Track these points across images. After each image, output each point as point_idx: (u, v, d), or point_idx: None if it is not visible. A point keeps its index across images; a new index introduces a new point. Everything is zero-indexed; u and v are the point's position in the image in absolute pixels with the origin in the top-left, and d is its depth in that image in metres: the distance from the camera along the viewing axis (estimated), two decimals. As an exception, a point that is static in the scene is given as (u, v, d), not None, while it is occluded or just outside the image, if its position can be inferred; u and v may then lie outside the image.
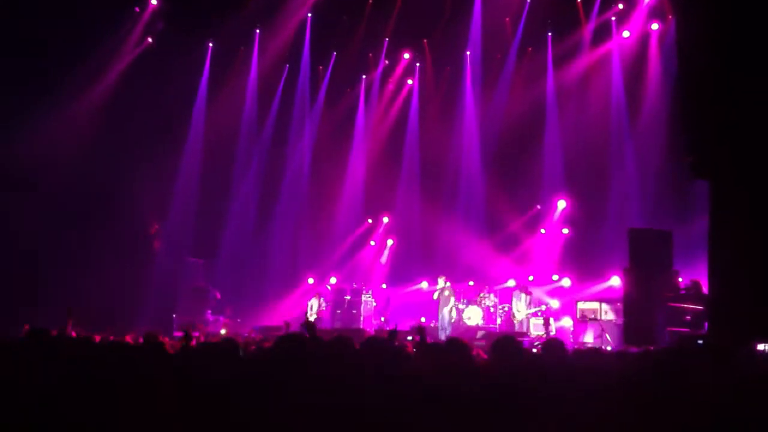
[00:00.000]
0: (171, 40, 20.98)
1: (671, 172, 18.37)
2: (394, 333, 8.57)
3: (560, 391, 3.65)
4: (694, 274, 14.53)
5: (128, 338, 11.82)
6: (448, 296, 19.65)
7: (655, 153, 19.66)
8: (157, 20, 21.03)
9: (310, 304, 21.07)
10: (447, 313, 19.52)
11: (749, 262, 10.12)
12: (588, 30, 21.32)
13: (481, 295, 20.62)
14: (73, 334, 10.56)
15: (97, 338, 9.35)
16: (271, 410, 3.39)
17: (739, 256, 10.36)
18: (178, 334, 17.70)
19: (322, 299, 21.20)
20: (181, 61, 21.41)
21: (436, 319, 20.06)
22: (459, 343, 5.95)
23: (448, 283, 19.78)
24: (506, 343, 4.99)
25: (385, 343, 6.03)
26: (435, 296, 19.96)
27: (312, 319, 20.52)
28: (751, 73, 10.29)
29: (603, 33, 21.27)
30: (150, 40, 21.25)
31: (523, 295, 19.29)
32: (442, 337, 18.28)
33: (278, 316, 20.28)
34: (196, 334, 8.94)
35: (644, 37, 20.71)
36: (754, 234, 10.24)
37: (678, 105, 16.69)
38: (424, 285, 22.30)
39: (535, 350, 12.25)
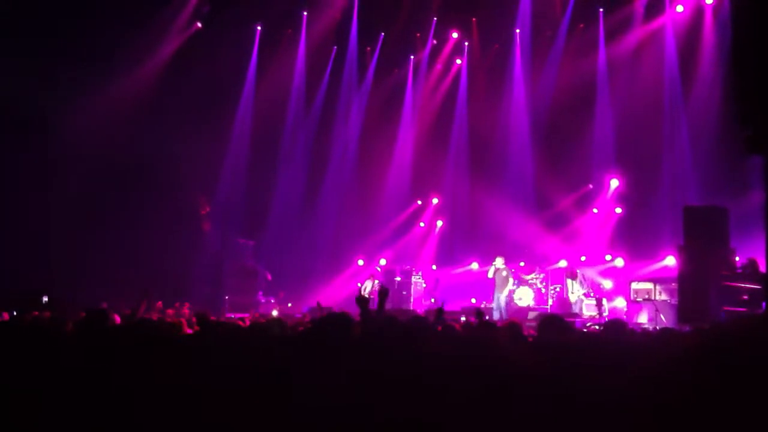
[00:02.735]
0: (219, 23, 21.11)
1: (727, 147, 17.92)
2: (441, 311, 8.52)
3: (607, 369, 3.56)
4: (751, 252, 14.19)
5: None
6: (506, 277, 19.00)
7: (710, 128, 19.21)
8: (204, 4, 21.16)
9: (363, 285, 21.12)
10: (503, 296, 18.89)
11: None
12: (640, 4, 20.87)
13: (533, 275, 20.45)
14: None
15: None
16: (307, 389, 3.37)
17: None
18: (230, 315, 17.96)
19: (376, 281, 21.24)
20: (229, 45, 21.52)
21: (488, 300, 19.88)
22: (513, 323, 5.91)
23: (504, 265, 19.12)
24: (552, 321, 4.92)
25: (428, 322, 6.01)
26: (490, 274, 19.37)
27: (364, 300, 20.51)
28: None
29: (655, 7, 20.79)
30: (199, 24, 21.40)
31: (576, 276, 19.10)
32: (496, 317, 18.07)
33: (327, 297, 20.38)
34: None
35: (698, 11, 20.20)
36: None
37: (733, 79, 16.25)
38: (474, 266, 22.19)
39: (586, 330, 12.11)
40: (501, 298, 18.70)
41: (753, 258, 13.87)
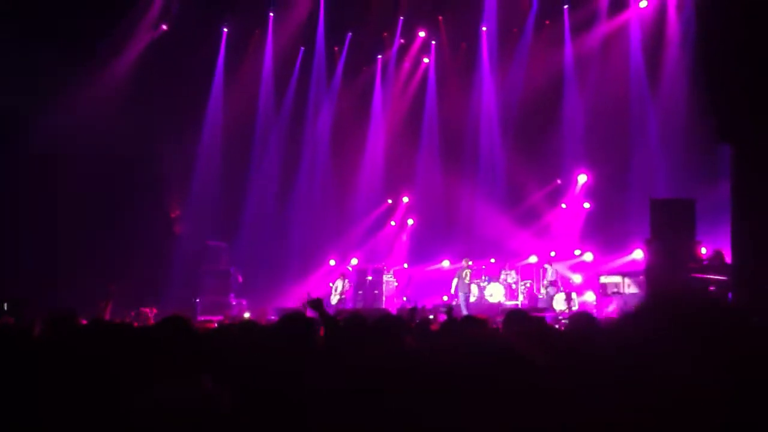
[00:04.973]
0: (185, 25, 20.95)
1: (694, 139, 18.11)
2: (414, 310, 8.47)
3: (572, 361, 3.55)
4: (721, 242, 14.31)
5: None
6: (466, 279, 19.46)
7: (677, 121, 19.41)
8: (171, 5, 21.00)
9: (334, 285, 21.08)
10: (464, 296, 19.33)
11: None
12: (604, 0, 21.06)
13: (503, 272, 20.54)
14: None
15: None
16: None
17: (763, 222, 10.21)
18: (202, 317, 17.86)
19: (346, 280, 21.21)
20: (196, 47, 21.40)
21: (456, 297, 20.09)
22: (476, 319, 5.92)
23: (468, 271, 19.58)
24: (517, 316, 4.95)
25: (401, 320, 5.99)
26: (458, 277, 19.79)
27: (335, 300, 20.57)
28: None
29: (620, 3, 21.01)
30: (165, 26, 21.23)
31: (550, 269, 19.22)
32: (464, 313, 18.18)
33: (300, 297, 20.32)
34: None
35: (662, 6, 20.42)
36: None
37: (699, 71, 16.44)
38: (446, 263, 22.25)
39: (557, 325, 12.16)
40: (462, 299, 19.01)
41: (719, 250, 14.00)
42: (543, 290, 19.17)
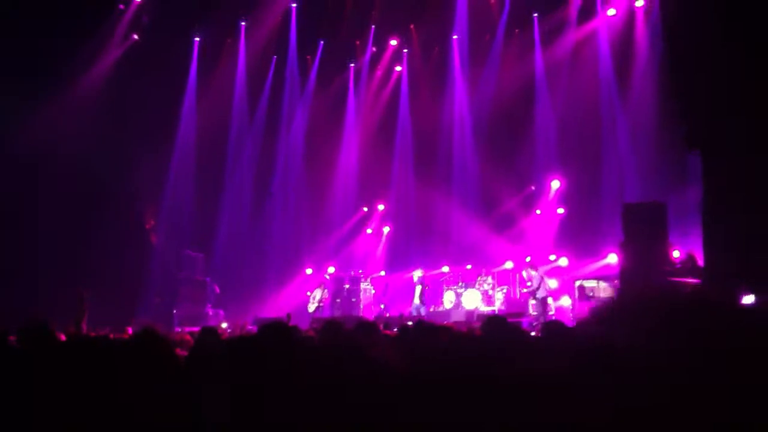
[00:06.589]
0: (156, 35, 20.85)
1: (664, 144, 18.36)
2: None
3: (547, 364, 3.63)
4: (689, 245, 14.51)
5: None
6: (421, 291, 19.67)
7: (647, 126, 19.66)
8: (141, 16, 20.90)
9: (312, 294, 21.05)
10: (418, 307, 19.52)
11: (742, 231, 10.14)
12: (573, 8, 21.30)
13: (480, 278, 20.64)
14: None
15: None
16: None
17: (733, 226, 10.39)
18: (179, 328, 17.75)
19: (325, 290, 21.20)
20: (168, 57, 21.29)
21: (437, 304, 20.27)
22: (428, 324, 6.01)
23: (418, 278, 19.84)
24: (494, 322, 5.03)
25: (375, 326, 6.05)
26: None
27: (313, 308, 20.60)
28: (736, 43, 10.28)
29: (588, 11, 21.25)
30: (136, 36, 21.13)
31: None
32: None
33: (277, 306, 20.30)
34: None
35: (630, 14, 20.68)
36: (746, 203, 10.25)
37: (668, 78, 16.67)
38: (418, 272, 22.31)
39: (533, 332, 12.26)
40: (419, 309, 19.18)
41: (691, 253, 14.16)
42: (532, 300, 19.00)
